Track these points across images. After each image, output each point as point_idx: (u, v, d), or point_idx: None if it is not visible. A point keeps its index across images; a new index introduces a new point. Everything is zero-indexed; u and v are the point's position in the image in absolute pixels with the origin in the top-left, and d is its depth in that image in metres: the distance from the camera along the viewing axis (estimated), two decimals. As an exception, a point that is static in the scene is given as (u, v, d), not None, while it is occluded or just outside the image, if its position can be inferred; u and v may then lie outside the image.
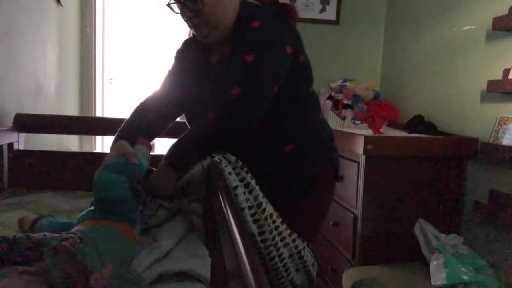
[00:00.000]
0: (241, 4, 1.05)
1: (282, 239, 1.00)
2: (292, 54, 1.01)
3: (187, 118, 1.22)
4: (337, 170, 1.20)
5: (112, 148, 1.06)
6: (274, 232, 0.98)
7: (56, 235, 0.74)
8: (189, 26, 1.06)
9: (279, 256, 1.00)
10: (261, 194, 0.97)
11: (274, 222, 0.99)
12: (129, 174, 0.95)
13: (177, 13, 1.03)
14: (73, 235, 0.71)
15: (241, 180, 0.96)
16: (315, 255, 1.12)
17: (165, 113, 1.19)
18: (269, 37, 0.97)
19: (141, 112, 1.19)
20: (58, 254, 0.65)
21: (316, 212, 1.19)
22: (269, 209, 0.98)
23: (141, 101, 1.23)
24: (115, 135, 1.14)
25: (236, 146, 1.04)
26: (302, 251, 1.05)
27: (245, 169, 0.99)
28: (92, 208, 0.91)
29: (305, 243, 1.08)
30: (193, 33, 1.12)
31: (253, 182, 0.97)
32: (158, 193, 1.04)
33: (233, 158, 1.00)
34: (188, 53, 1.18)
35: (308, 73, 1.13)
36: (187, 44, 1.21)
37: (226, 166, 0.95)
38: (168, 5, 1.01)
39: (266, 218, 0.96)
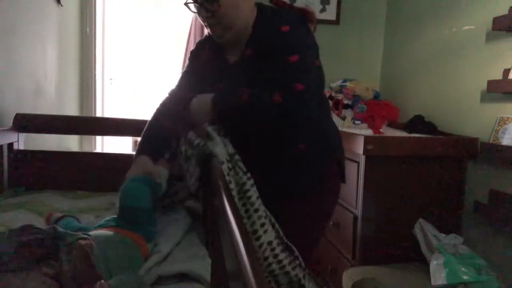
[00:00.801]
0: (257, 6, 1.09)
1: (281, 268, 1.00)
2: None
3: None
4: (343, 172, 1.22)
5: (134, 164, 1.08)
6: (271, 260, 0.98)
7: (74, 233, 0.75)
8: (205, 26, 1.08)
9: (276, 282, 1.00)
10: (258, 222, 0.97)
11: (273, 250, 0.98)
12: (153, 190, 0.99)
13: (194, 12, 1.06)
14: (87, 237, 0.72)
15: (243, 205, 0.97)
16: (317, 280, 1.11)
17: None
18: (303, 39, 1.05)
19: (157, 121, 1.18)
20: (73, 251, 0.67)
21: (322, 212, 1.20)
22: (268, 236, 0.97)
23: (158, 106, 1.22)
24: (136, 149, 1.15)
25: (248, 144, 1.06)
26: (302, 279, 1.05)
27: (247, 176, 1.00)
28: (114, 216, 0.95)
29: (306, 270, 1.07)
30: (208, 33, 1.14)
31: (255, 204, 0.98)
32: (191, 119, 1.06)
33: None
34: (202, 53, 1.20)
35: (322, 77, 1.16)
36: (201, 44, 1.23)
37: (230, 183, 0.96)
38: (186, 4, 1.04)
39: (260, 246, 0.96)
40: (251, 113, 0.99)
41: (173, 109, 1.17)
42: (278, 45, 1.01)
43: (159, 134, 1.15)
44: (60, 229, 0.75)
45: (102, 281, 0.66)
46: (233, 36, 1.07)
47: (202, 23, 1.10)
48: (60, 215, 1.03)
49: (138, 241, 0.88)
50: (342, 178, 1.23)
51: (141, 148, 1.13)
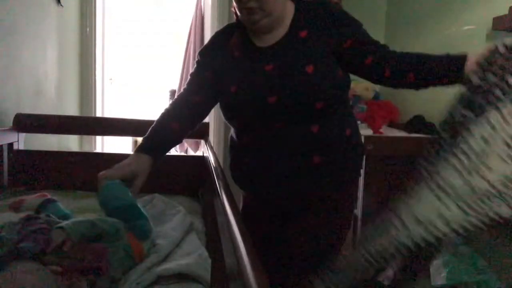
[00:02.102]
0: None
1: None
2: None
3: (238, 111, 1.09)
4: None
5: (130, 159, 1.01)
6: None
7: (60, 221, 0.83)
8: (241, 10, 1.02)
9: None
10: None
11: None
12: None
13: None
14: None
15: None
16: None
17: (190, 118, 1.13)
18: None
19: (164, 120, 1.12)
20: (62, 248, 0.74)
21: (354, 196, 1.26)
22: None
23: (168, 106, 1.17)
24: (140, 143, 1.08)
25: (310, 131, 1.03)
26: None
27: None
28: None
29: None
30: (237, 20, 1.09)
31: None
32: None
33: None
34: (225, 45, 1.12)
35: (352, 58, 1.16)
36: (221, 35, 1.16)
37: None
38: None
39: None
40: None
41: (182, 113, 1.12)
42: (341, 22, 1.11)
43: (165, 134, 1.10)
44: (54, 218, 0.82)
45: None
46: (269, 22, 1.02)
47: (235, 8, 1.04)
48: (38, 200, 1.03)
49: (129, 240, 0.88)
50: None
51: (141, 144, 1.09)
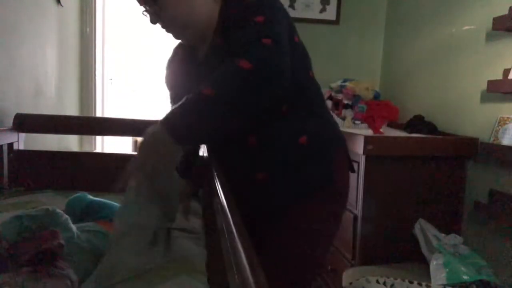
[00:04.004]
0: None
1: None
2: (288, 31, 0.89)
3: None
4: (350, 161, 1.08)
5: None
6: None
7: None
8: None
9: None
10: None
11: None
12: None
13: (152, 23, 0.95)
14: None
15: None
16: None
17: None
18: (271, 2, 0.87)
19: None
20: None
21: (337, 205, 1.05)
22: None
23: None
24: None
25: (246, 148, 0.93)
26: None
27: None
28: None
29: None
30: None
31: None
32: (146, 172, 0.78)
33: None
34: (175, 60, 1.10)
35: (305, 55, 0.99)
36: (174, 52, 1.14)
37: None
38: (143, 13, 0.94)
39: None
40: (226, 102, 0.74)
41: None
42: (242, 13, 0.85)
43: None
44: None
45: None
46: (194, 34, 0.94)
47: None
48: None
49: (102, 224, 0.96)
50: (350, 167, 1.08)
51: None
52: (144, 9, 0.92)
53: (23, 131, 1.57)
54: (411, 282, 1.38)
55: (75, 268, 0.73)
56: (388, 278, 1.43)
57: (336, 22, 2.61)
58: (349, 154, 1.07)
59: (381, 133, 2.08)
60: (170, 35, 0.98)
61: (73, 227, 0.87)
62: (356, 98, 2.34)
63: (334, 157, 1.00)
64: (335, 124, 1.05)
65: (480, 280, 1.40)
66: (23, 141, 1.59)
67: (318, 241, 1.00)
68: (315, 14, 2.57)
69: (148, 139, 0.76)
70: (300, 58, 0.96)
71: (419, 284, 1.37)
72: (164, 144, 0.74)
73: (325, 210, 0.99)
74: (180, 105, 0.75)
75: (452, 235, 1.65)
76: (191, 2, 0.91)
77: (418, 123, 2.07)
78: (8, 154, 1.49)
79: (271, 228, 0.97)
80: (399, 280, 1.35)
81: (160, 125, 0.74)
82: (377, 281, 1.37)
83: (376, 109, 2.28)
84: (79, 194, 1.12)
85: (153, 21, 0.93)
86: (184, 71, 1.06)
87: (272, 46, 0.77)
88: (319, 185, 0.97)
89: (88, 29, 2.71)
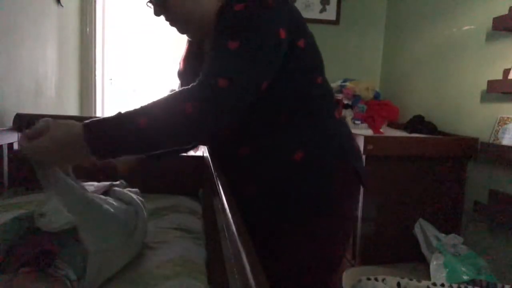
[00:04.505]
0: None
1: None
2: (288, 38, 0.82)
3: None
4: (361, 180, 0.95)
5: None
6: None
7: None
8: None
9: None
10: None
11: None
12: None
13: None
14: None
15: None
16: None
17: None
18: (256, 19, 0.78)
19: None
20: None
21: (339, 234, 0.93)
22: None
23: None
24: None
25: (237, 159, 0.90)
26: None
27: None
28: None
29: None
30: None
31: None
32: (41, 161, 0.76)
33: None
34: (185, 55, 1.10)
35: (312, 60, 0.92)
36: (186, 46, 1.12)
37: None
38: (147, 3, 0.91)
39: None
40: (155, 139, 0.71)
41: None
42: (223, 28, 0.79)
43: None
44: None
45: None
46: (198, 29, 0.91)
47: None
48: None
49: None
50: (359, 186, 0.97)
51: None
52: (148, 0, 0.90)
53: (23, 131, 1.57)
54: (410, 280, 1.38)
55: (75, 267, 0.73)
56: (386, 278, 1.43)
57: (336, 22, 2.61)
58: (359, 170, 0.93)
59: (381, 133, 2.08)
60: (171, 35, 0.98)
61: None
62: (356, 98, 2.34)
63: (335, 177, 0.90)
64: (344, 136, 0.95)
65: (480, 280, 1.40)
66: (23, 141, 1.59)
67: (309, 274, 0.90)
68: (315, 14, 2.57)
69: (62, 134, 0.71)
70: (303, 64, 0.89)
71: (418, 281, 1.37)
72: (74, 149, 0.71)
73: (318, 239, 0.89)
74: (112, 119, 0.72)
75: (452, 235, 1.65)
76: None
77: (418, 123, 2.07)
78: (8, 154, 1.49)
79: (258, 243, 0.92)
80: (406, 279, 1.35)
81: (82, 128, 0.70)
82: (383, 280, 1.36)
83: (376, 109, 2.28)
84: None
85: (157, 13, 0.90)
86: (190, 66, 1.05)
87: (225, 89, 0.71)
88: (313, 209, 0.88)
89: (88, 29, 2.71)
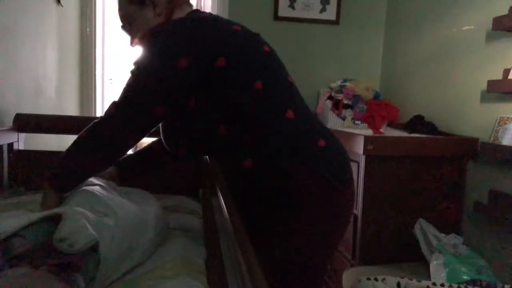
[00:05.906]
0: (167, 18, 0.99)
1: None
2: (194, 63, 0.84)
3: None
4: (330, 181, 0.89)
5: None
6: None
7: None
8: None
9: None
10: None
11: None
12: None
13: None
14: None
15: None
16: None
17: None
18: (155, 51, 0.86)
19: (151, 144, 1.23)
20: None
21: (309, 237, 0.90)
22: None
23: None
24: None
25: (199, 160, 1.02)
26: None
27: None
28: None
29: None
30: None
31: None
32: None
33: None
34: None
35: (241, 72, 0.88)
36: None
37: None
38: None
39: None
40: (76, 159, 0.93)
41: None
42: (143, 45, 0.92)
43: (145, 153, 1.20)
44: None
45: None
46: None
47: None
48: None
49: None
50: (333, 186, 0.89)
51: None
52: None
53: (23, 131, 1.57)
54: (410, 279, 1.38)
55: (86, 275, 0.73)
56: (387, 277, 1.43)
57: (336, 22, 2.61)
58: (321, 171, 0.88)
59: (381, 133, 2.08)
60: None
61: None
62: (356, 98, 2.34)
63: (290, 181, 0.88)
64: (300, 136, 0.91)
65: (480, 280, 1.40)
66: (23, 141, 1.59)
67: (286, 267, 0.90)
68: (315, 14, 2.57)
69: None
70: (231, 78, 0.87)
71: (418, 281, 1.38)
72: (51, 199, 0.98)
73: (283, 243, 0.89)
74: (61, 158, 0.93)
75: (452, 235, 1.65)
76: (136, 16, 1.06)
77: (418, 123, 2.07)
78: (8, 154, 1.49)
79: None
80: (406, 279, 1.35)
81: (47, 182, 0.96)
82: (383, 280, 1.36)
83: (376, 109, 2.28)
84: None
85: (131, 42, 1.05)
86: None
87: (112, 114, 0.88)
88: (271, 213, 0.89)
89: (88, 29, 2.71)
